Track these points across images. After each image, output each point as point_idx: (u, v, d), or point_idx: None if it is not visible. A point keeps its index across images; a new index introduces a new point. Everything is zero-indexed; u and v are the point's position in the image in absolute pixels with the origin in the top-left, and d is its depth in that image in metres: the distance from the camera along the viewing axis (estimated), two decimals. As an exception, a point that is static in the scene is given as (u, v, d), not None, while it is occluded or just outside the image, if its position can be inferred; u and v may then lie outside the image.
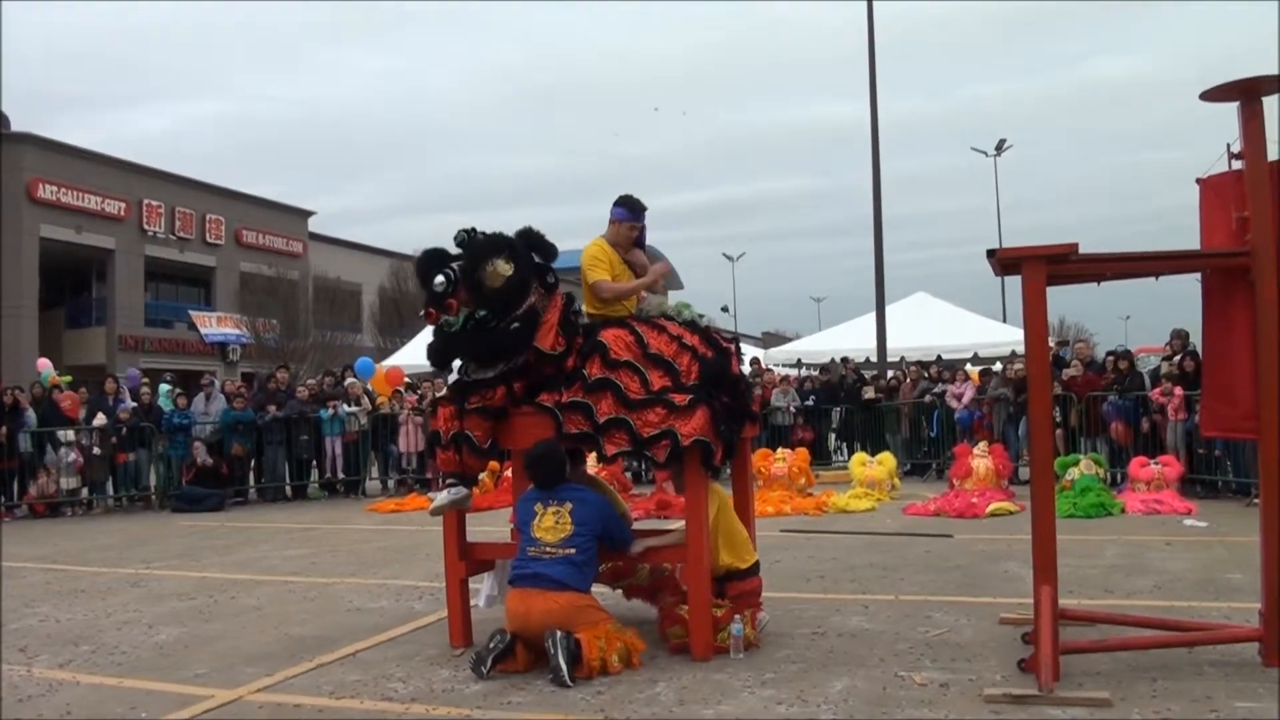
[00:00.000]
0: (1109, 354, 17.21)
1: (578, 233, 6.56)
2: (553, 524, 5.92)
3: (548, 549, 5.86)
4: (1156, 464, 13.30)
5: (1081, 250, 5.33)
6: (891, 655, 5.86)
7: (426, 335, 25.97)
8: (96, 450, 16.96)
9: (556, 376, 6.25)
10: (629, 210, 6.89)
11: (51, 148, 38.92)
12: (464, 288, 6.11)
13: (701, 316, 6.85)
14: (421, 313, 6.48)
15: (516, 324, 6.13)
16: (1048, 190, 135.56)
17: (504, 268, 6.11)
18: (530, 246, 6.34)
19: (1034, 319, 5.44)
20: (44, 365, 21.06)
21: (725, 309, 74.45)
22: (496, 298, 6.09)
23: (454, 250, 6.31)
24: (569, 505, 5.98)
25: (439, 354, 6.42)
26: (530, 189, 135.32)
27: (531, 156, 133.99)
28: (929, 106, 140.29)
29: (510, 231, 6.40)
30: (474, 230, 6.32)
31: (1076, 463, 13.38)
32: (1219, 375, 5.66)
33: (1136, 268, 5.81)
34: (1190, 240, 5.81)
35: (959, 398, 17.42)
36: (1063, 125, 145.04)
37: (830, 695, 5.14)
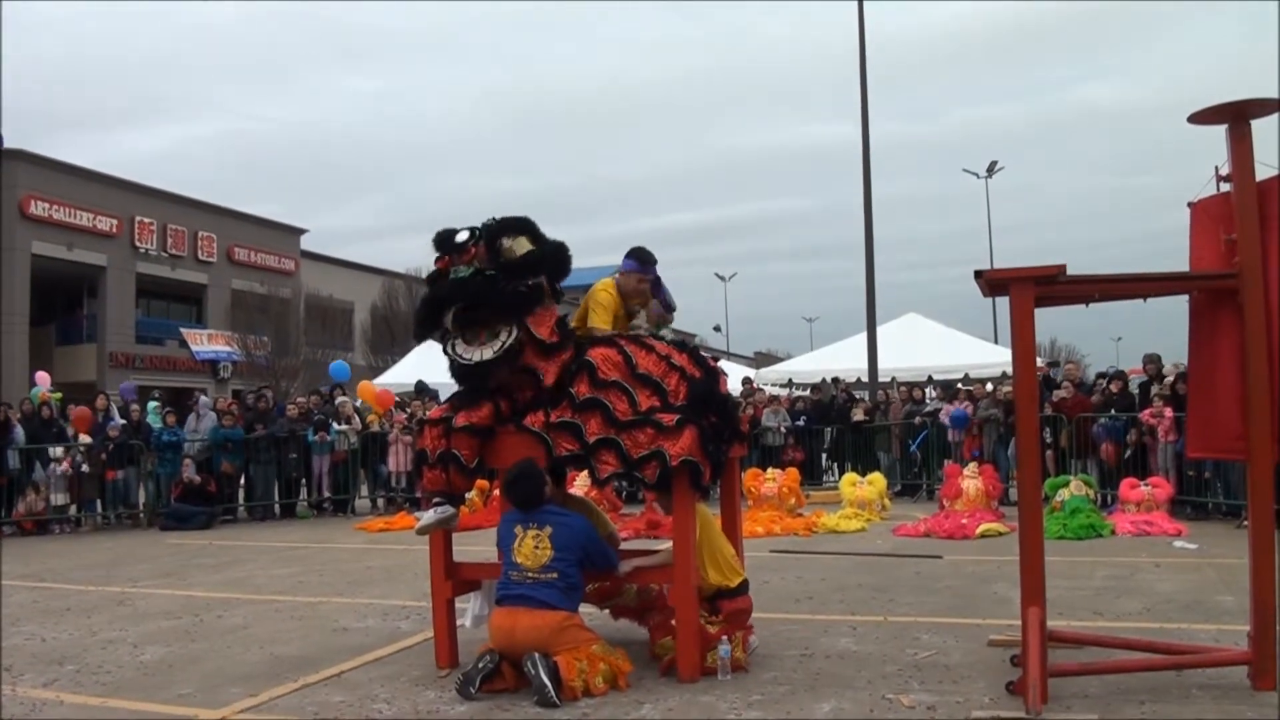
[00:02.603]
0: (1099, 375, 17.24)
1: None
2: (533, 548, 5.87)
3: (529, 574, 5.83)
4: (1147, 485, 13.28)
5: (1070, 272, 5.33)
6: (879, 677, 5.83)
7: (417, 354, 25.79)
8: (85, 468, 16.90)
9: (540, 397, 6.22)
10: (638, 262, 6.99)
11: (44, 164, 38.83)
12: (484, 248, 6.20)
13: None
14: (433, 260, 6.45)
15: (523, 290, 6.17)
16: (1037, 212, 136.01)
17: (525, 244, 6.23)
18: (554, 251, 6.40)
19: (1022, 340, 5.44)
20: (43, 379, 20.97)
21: (717, 328, 74.59)
22: (510, 264, 6.18)
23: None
24: (549, 529, 5.93)
25: (434, 305, 6.35)
26: (519, 210, 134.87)
27: (520, 178, 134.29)
28: (919, 129, 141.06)
29: None
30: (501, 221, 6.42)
31: (1066, 484, 13.35)
32: (1205, 396, 5.66)
33: (1124, 289, 5.82)
34: (1180, 263, 5.82)
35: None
36: (1052, 149, 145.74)
37: (817, 717, 5.12)
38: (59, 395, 19.80)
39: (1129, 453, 14.82)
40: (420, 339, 6.57)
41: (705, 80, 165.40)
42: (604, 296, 6.81)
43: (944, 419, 17.43)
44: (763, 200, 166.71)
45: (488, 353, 6.15)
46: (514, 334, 6.14)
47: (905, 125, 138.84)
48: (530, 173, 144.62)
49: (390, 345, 43.34)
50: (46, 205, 37.98)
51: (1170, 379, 14.75)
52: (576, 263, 6.67)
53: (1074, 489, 13.18)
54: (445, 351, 6.33)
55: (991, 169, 47.00)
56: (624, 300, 6.94)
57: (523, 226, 6.30)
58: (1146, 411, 14.54)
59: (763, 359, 63.33)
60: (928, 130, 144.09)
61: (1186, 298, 5.80)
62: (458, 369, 6.29)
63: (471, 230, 6.25)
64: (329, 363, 38.77)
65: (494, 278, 6.13)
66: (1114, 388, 15.91)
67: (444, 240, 6.33)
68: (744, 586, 6.35)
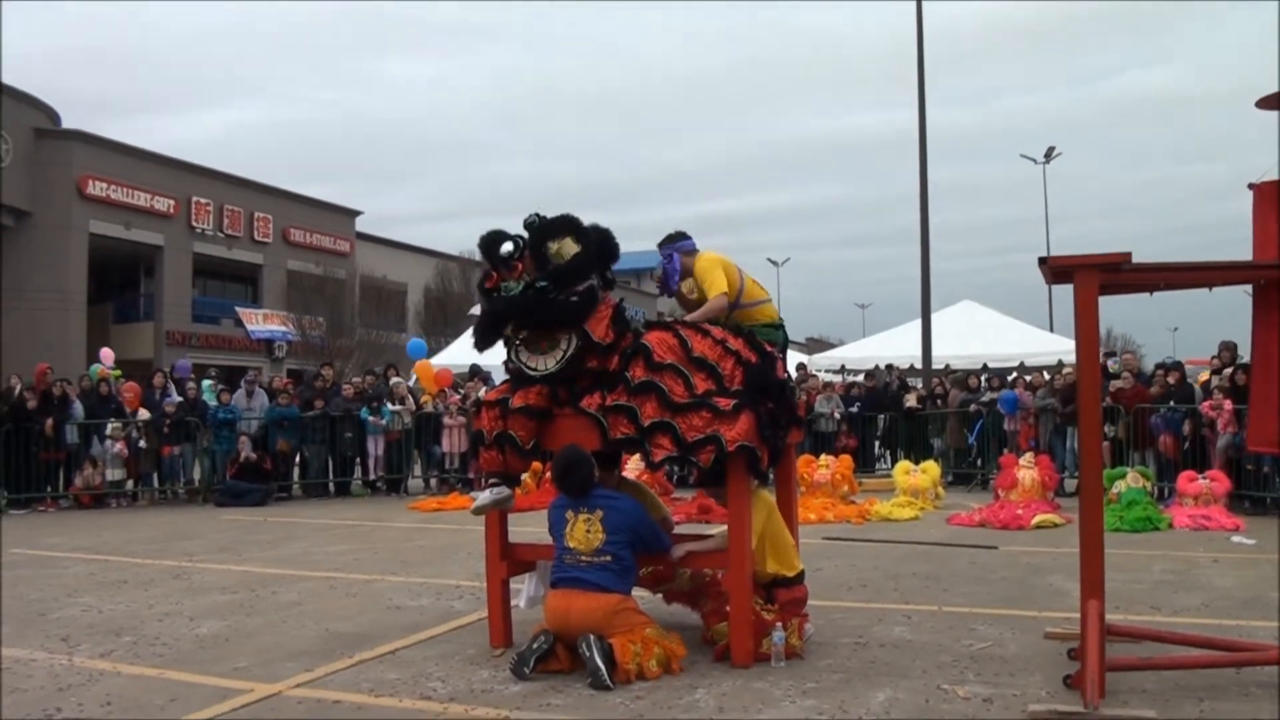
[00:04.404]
0: (1158, 366, 17.00)
1: (618, 238, 6.60)
2: (584, 533, 5.88)
3: (583, 557, 5.84)
4: (1205, 479, 13.09)
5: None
6: (934, 667, 5.79)
7: (470, 336, 26.06)
8: (142, 444, 17.11)
9: (599, 379, 6.22)
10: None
11: (101, 145, 39.36)
12: (530, 257, 6.18)
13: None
14: (480, 278, 6.48)
15: (575, 298, 6.14)
16: (1087, 202, 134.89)
17: (571, 246, 6.18)
18: (600, 240, 6.37)
19: (1085, 329, 5.37)
20: (107, 356, 21.23)
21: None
22: (559, 272, 6.13)
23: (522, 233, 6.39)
24: (600, 513, 5.92)
25: (491, 320, 6.41)
26: (571, 195, 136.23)
27: (573, 162, 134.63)
28: (972, 116, 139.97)
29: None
30: (543, 216, 6.37)
31: (1123, 476, 13.19)
32: (1267, 388, 5.55)
33: (1190, 278, 5.72)
34: (1233, 253, 5.71)
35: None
36: (1103, 137, 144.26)
37: (872, 706, 5.08)
38: (118, 372, 20.03)
39: (1187, 445, 14.62)
40: (482, 350, 6.58)
41: (759, 66, 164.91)
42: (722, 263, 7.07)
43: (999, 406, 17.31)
44: (816, 186, 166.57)
45: (551, 363, 6.18)
46: (573, 342, 6.16)
47: (958, 111, 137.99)
48: (584, 157, 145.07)
49: (444, 327, 43.55)
50: (104, 185, 38.45)
51: (1228, 370, 14.52)
52: (630, 247, 6.70)
53: (1131, 481, 13.02)
54: (510, 359, 6.38)
55: (1049, 154, 46.50)
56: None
57: (566, 226, 6.26)
58: (1206, 403, 14.34)
59: (815, 345, 63.13)
60: (979, 118, 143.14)
61: (1246, 288, 5.69)
62: (523, 377, 6.33)
63: (515, 241, 6.20)
64: (383, 343, 39.14)
65: (545, 290, 6.10)
66: (1172, 379, 15.69)
67: (489, 248, 6.32)
68: (801, 576, 6.31)
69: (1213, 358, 16.04)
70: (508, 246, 6.20)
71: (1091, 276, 5.25)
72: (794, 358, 25.36)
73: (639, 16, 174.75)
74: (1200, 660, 5.57)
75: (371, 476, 18.43)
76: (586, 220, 6.37)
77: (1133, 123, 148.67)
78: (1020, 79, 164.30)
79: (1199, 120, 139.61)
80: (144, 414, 17.38)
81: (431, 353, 27.52)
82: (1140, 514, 12.02)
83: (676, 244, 7.16)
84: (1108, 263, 5.25)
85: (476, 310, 6.77)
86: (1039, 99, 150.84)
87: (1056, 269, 5.44)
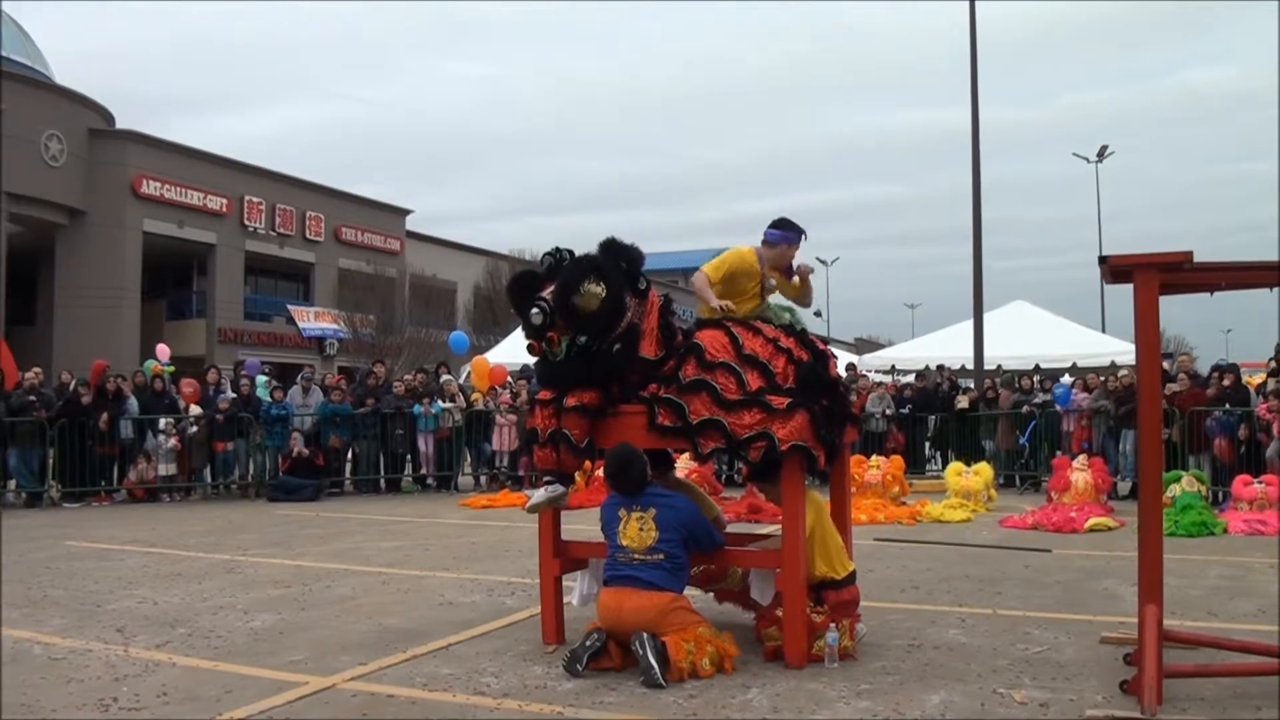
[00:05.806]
0: (1214, 368, 16.79)
1: (666, 236, 6.58)
2: (637, 531, 5.89)
3: (636, 556, 5.85)
4: (1260, 483, 12.91)
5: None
6: (990, 671, 5.74)
7: (520, 335, 26.23)
8: (194, 429, 17.30)
9: (655, 378, 6.22)
10: (781, 232, 7.00)
11: (155, 144, 39.90)
12: (560, 317, 6.10)
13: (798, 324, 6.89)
14: (525, 345, 6.50)
15: (618, 345, 6.12)
16: (1139, 200, 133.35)
17: (596, 289, 6.05)
18: (615, 257, 6.30)
19: (1146, 330, 5.30)
20: (163, 352, 21.46)
21: (818, 313, 74.02)
22: (593, 321, 6.07)
23: (541, 272, 6.38)
24: (653, 511, 5.92)
25: (548, 380, 6.50)
26: (620, 193, 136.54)
27: (620, 160, 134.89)
28: (1025, 114, 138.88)
29: (594, 239, 6.42)
30: (559, 251, 6.33)
31: (1178, 479, 13.00)
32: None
33: (1253, 278, 5.62)
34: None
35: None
36: (1158, 134, 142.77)
37: (927, 709, 5.05)
38: (171, 368, 20.23)
39: (1242, 449, 14.43)
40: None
41: (810, 64, 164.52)
42: (732, 255, 6.96)
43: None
44: (866, 184, 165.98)
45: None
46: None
47: (1011, 110, 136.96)
48: (632, 155, 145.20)
49: (493, 326, 43.72)
50: (158, 184, 38.98)
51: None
52: (678, 245, 6.71)
53: (1186, 485, 12.86)
54: None
55: (1102, 153, 45.99)
56: (771, 269, 7.00)
57: (586, 270, 6.14)
58: (1263, 406, 14.14)
59: (863, 345, 62.82)
60: (1033, 115, 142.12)
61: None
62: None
63: (540, 308, 6.06)
64: (432, 341, 39.30)
65: (587, 346, 6.09)
66: (1227, 381, 15.48)
67: (520, 312, 6.27)
68: (852, 577, 6.26)
69: (1269, 360, 15.81)
70: (536, 313, 6.08)
71: (1152, 276, 5.19)
72: (844, 358, 25.28)
73: (689, 15, 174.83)
74: (1258, 667, 5.48)
75: (422, 471, 18.55)
76: (630, 218, 6.33)
77: (1188, 120, 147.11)
78: (1075, 76, 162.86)
79: (1255, 118, 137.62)
80: (195, 409, 17.58)
81: (480, 351, 27.62)
82: (1195, 518, 11.88)
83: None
84: (1169, 262, 5.17)
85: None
86: (1094, 96, 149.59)
87: (1116, 269, 5.37)
